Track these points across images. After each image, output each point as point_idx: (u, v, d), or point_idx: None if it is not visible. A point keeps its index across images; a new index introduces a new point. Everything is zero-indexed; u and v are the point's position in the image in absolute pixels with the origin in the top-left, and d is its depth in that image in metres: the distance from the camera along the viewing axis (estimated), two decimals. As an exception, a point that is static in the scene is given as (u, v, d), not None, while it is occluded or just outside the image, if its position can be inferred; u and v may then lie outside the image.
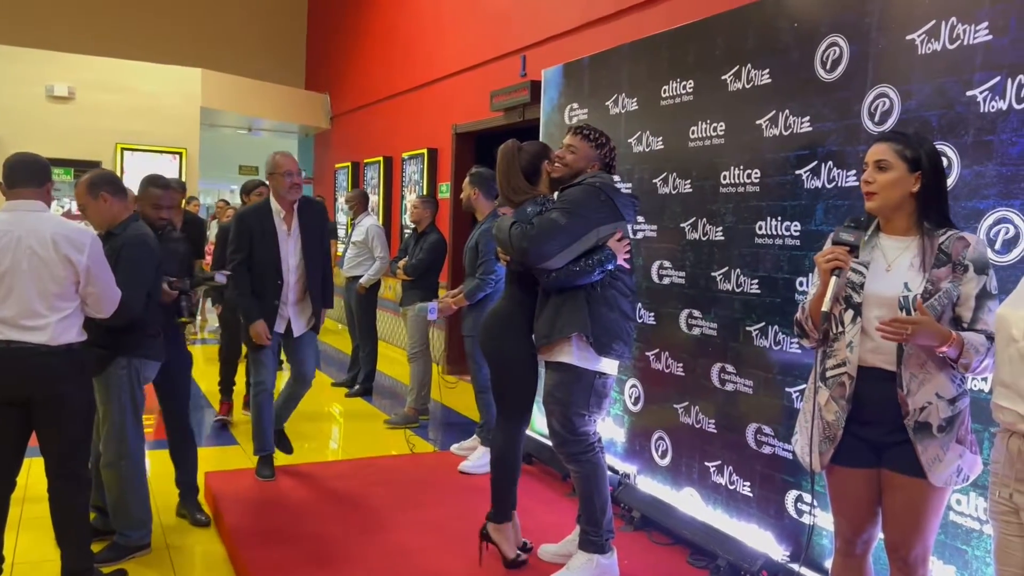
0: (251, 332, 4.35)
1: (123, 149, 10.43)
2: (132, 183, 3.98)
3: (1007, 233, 2.51)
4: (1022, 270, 2.45)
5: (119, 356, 3.43)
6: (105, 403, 3.45)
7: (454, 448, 5.25)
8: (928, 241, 2.20)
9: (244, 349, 5.28)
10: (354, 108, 11.47)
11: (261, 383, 4.48)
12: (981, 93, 2.57)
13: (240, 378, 5.67)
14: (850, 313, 2.23)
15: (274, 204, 4.42)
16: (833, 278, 2.18)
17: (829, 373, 2.28)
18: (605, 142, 3.30)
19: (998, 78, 2.53)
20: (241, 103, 11.56)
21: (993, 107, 2.54)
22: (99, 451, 3.54)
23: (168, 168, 10.42)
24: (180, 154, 10.63)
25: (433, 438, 5.68)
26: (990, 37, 2.55)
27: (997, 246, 2.53)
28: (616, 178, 3.36)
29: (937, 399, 2.15)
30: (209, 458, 4.90)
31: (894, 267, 2.21)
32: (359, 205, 7.30)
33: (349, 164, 11.30)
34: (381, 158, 10.02)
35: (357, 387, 7.11)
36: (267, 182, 4.60)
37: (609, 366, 3.22)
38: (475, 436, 5.24)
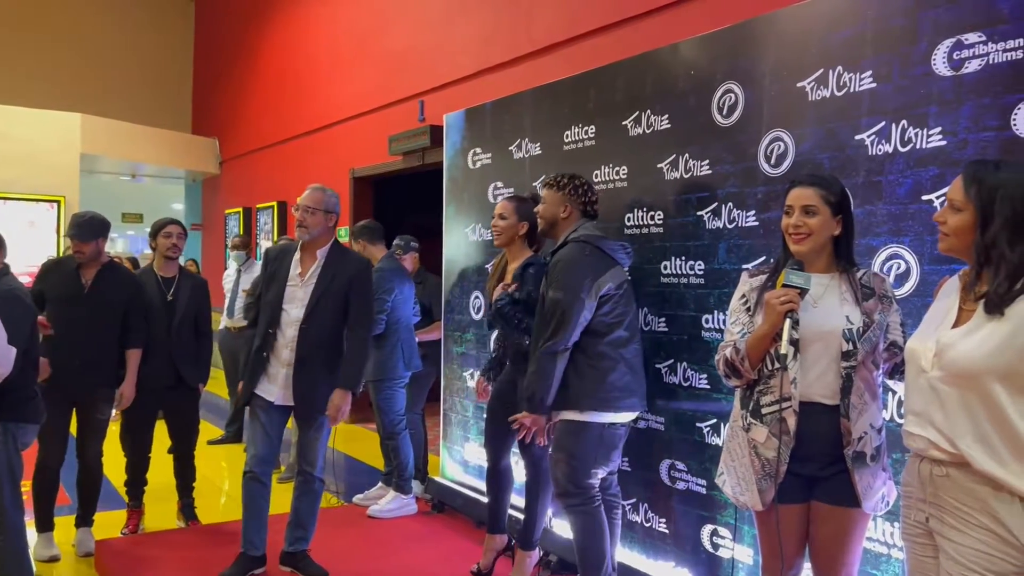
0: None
1: (-6, 197, 9.85)
2: (4, 233, 3.58)
3: (899, 268, 2.65)
4: (913, 303, 2.59)
5: None
6: (-21, 474, 3.17)
7: (357, 499, 5.11)
8: (852, 278, 2.34)
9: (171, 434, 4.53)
10: (245, 152, 11.21)
11: (248, 466, 3.74)
12: (868, 137, 2.73)
13: (161, 476, 4.62)
14: (791, 350, 2.27)
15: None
16: (787, 320, 2.22)
17: (766, 410, 2.31)
18: (567, 183, 3.35)
19: (883, 123, 2.69)
20: (123, 148, 11.11)
21: (880, 150, 2.70)
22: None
23: (46, 217, 9.98)
24: (58, 202, 10.09)
25: (336, 490, 5.47)
26: (874, 85, 2.72)
27: (890, 281, 2.66)
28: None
29: (870, 429, 2.27)
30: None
31: (821, 303, 2.30)
32: (250, 251, 7.15)
33: (240, 209, 10.98)
34: (275, 203, 9.80)
35: (230, 432, 6.83)
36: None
37: (619, 415, 3.16)
38: (380, 484, 5.13)
